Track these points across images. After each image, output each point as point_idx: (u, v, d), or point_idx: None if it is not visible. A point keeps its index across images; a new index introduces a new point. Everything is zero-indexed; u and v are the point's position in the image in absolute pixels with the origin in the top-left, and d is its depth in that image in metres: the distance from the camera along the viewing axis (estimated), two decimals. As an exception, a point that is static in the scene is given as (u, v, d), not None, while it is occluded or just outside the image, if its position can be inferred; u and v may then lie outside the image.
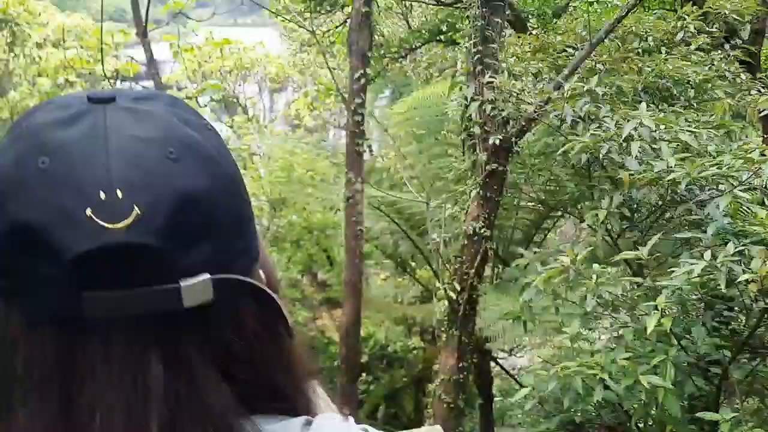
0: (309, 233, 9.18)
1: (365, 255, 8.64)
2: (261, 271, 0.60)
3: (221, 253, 0.54)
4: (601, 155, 3.22)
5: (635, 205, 3.50)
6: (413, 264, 9.03)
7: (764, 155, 2.83)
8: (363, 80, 5.59)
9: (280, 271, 8.97)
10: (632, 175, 3.04)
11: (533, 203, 5.63)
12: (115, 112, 0.53)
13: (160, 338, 0.51)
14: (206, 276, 0.51)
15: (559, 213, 6.31)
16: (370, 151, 12.94)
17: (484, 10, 4.15)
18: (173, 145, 0.52)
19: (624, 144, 3.13)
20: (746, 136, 3.93)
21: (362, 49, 5.59)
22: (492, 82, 4.01)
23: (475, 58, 4.16)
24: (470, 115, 4.24)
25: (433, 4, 7.60)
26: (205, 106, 11.54)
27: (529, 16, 7.02)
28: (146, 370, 0.50)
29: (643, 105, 3.27)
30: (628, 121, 3.11)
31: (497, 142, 4.06)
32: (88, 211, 0.48)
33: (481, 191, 4.26)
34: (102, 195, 0.49)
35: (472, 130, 4.27)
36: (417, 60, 8.89)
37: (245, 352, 0.55)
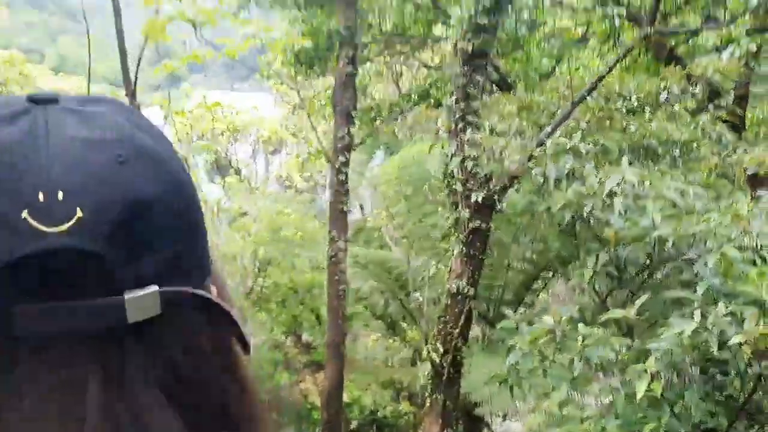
0: (294, 293, 9.06)
1: (354, 315, 8.46)
2: (213, 287, 0.55)
3: (172, 265, 0.49)
4: (585, 212, 3.15)
5: (623, 264, 3.41)
6: (404, 325, 8.85)
7: (752, 212, 2.76)
8: (347, 138, 5.59)
9: (264, 334, 8.77)
10: (617, 232, 2.96)
11: (522, 263, 5.53)
12: (58, 113, 0.49)
13: (100, 356, 0.46)
14: (154, 288, 0.47)
15: (550, 273, 6.21)
16: (362, 210, 12.94)
17: (465, 68, 4.16)
18: (122, 148, 0.48)
19: (607, 200, 3.06)
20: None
21: (347, 108, 5.61)
22: (474, 139, 3.97)
23: (457, 115, 4.14)
24: (452, 172, 4.19)
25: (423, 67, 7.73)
26: (197, 165, 11.59)
27: (516, 81, 7.13)
28: (82, 393, 0.45)
29: (625, 159, 3.22)
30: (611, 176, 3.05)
31: (479, 199, 3.99)
32: (24, 213, 0.44)
33: (464, 249, 4.16)
34: (41, 197, 0.44)
35: (454, 186, 4.21)
36: (404, 119, 9.04)
37: (193, 373, 0.50)
